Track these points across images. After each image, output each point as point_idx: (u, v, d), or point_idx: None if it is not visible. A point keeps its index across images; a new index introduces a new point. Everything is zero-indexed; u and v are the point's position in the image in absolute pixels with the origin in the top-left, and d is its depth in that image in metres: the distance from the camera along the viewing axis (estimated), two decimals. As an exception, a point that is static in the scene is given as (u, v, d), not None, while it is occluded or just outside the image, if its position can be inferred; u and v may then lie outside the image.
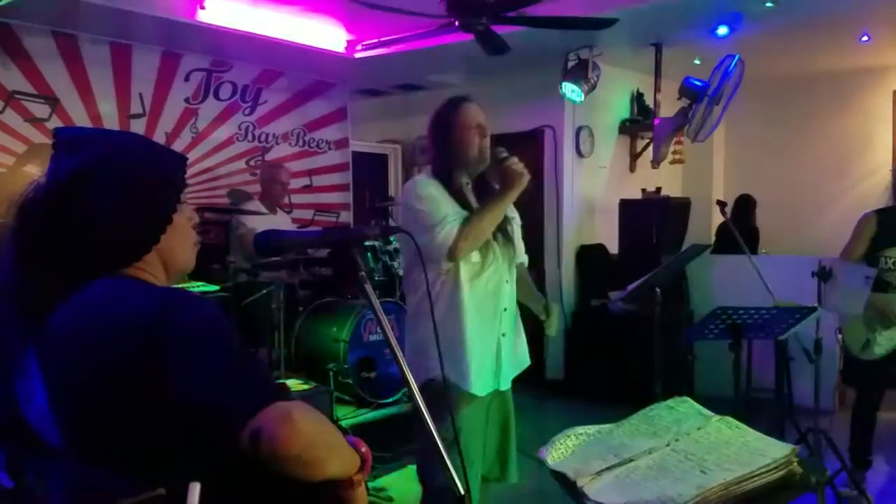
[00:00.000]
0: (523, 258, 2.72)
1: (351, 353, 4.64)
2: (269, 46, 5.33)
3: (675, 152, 6.23)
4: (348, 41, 5.63)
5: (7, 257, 1.23)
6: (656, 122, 6.08)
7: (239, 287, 4.60)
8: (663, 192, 6.21)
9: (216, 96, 5.82)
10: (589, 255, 6.34)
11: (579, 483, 1.62)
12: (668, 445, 1.70)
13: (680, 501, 1.47)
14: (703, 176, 7.34)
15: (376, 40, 5.46)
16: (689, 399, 1.90)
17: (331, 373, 4.47)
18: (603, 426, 1.89)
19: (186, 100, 5.64)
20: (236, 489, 1.17)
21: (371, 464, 1.26)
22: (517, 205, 2.60)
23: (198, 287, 4.12)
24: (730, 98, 5.34)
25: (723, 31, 5.25)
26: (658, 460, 1.66)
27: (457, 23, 4.22)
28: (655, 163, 6.15)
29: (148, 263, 1.29)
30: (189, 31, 4.93)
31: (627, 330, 5.46)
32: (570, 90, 5.74)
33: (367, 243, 4.86)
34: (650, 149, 6.37)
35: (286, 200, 5.79)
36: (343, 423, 4.31)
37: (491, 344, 2.51)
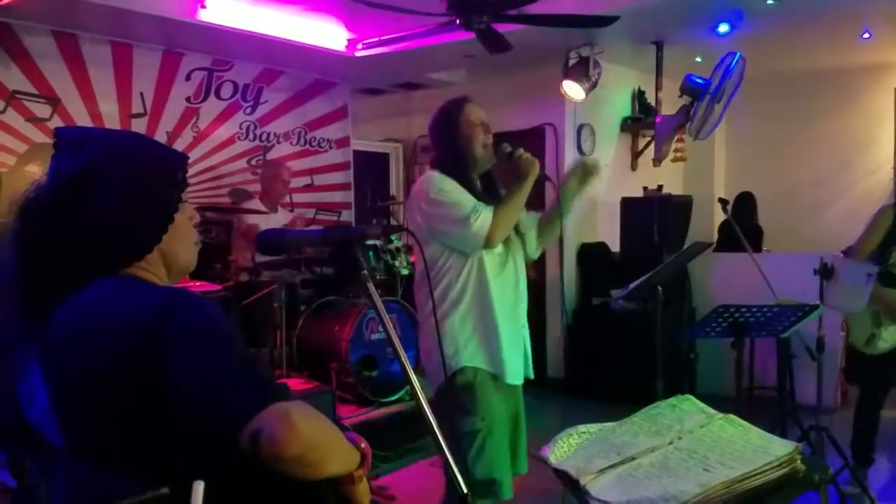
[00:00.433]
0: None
1: (353, 352, 4.64)
2: (270, 45, 5.33)
3: (676, 150, 6.22)
4: (349, 40, 5.63)
5: (8, 257, 1.23)
6: (658, 119, 6.08)
7: (240, 286, 4.61)
8: (665, 190, 6.20)
9: (217, 95, 5.82)
10: (590, 254, 6.34)
11: (582, 481, 1.62)
12: (670, 443, 1.70)
13: (683, 499, 1.47)
14: (705, 174, 7.33)
15: (377, 39, 5.45)
16: (691, 397, 1.90)
17: (333, 372, 4.47)
18: (605, 424, 1.89)
19: (187, 99, 5.64)
20: (239, 487, 1.17)
21: (371, 459, 1.27)
22: None
23: (199, 286, 4.12)
24: (731, 96, 5.33)
25: (724, 28, 5.24)
26: (661, 458, 1.65)
27: (458, 21, 4.22)
28: (657, 161, 6.14)
29: (149, 263, 1.29)
30: (190, 30, 4.93)
31: (629, 328, 5.46)
32: (571, 88, 5.74)
33: (368, 242, 4.87)
34: (652, 147, 6.36)
35: (287, 199, 5.80)
36: (345, 422, 4.32)
37: (517, 334, 2.60)
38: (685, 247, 4.91)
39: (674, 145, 6.12)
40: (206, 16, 4.78)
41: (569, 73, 5.76)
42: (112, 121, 5.18)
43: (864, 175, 6.78)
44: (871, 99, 6.83)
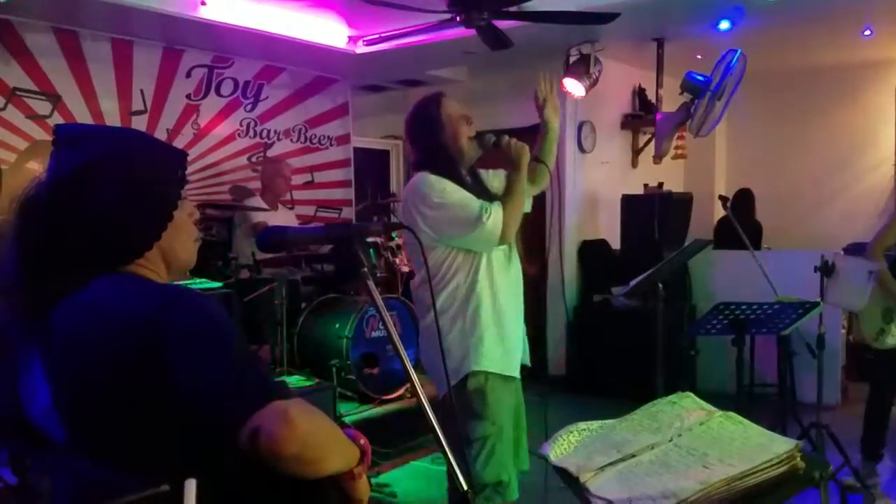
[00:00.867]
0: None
1: (353, 349, 4.64)
2: (271, 42, 5.33)
3: (677, 147, 6.22)
4: (350, 37, 5.62)
5: (9, 255, 1.23)
6: (658, 117, 6.07)
7: (241, 283, 4.61)
8: (665, 188, 6.20)
9: (217, 92, 5.81)
10: (591, 251, 6.34)
11: (582, 478, 1.62)
12: (670, 441, 1.70)
13: (683, 496, 1.47)
14: (706, 171, 7.33)
15: (378, 35, 5.45)
16: (691, 394, 1.90)
17: (333, 369, 4.48)
18: (605, 422, 1.89)
19: (188, 96, 5.64)
20: (239, 483, 1.17)
21: (371, 456, 1.27)
22: None
23: (200, 283, 4.12)
24: (732, 93, 5.32)
25: (725, 25, 5.23)
26: (661, 455, 1.65)
27: (458, 18, 4.22)
28: (657, 158, 6.14)
29: (149, 260, 1.29)
30: (190, 27, 4.93)
31: (629, 325, 5.46)
32: (571, 85, 5.73)
33: (369, 239, 4.86)
34: (652, 144, 6.36)
35: (288, 196, 5.79)
36: (346, 419, 4.32)
37: (520, 327, 2.60)
38: (686, 244, 4.91)
39: (674, 142, 6.12)
40: (207, 12, 4.77)
41: (569, 70, 5.75)
42: (112, 118, 5.18)
43: (865, 172, 6.77)
44: (872, 96, 6.83)
